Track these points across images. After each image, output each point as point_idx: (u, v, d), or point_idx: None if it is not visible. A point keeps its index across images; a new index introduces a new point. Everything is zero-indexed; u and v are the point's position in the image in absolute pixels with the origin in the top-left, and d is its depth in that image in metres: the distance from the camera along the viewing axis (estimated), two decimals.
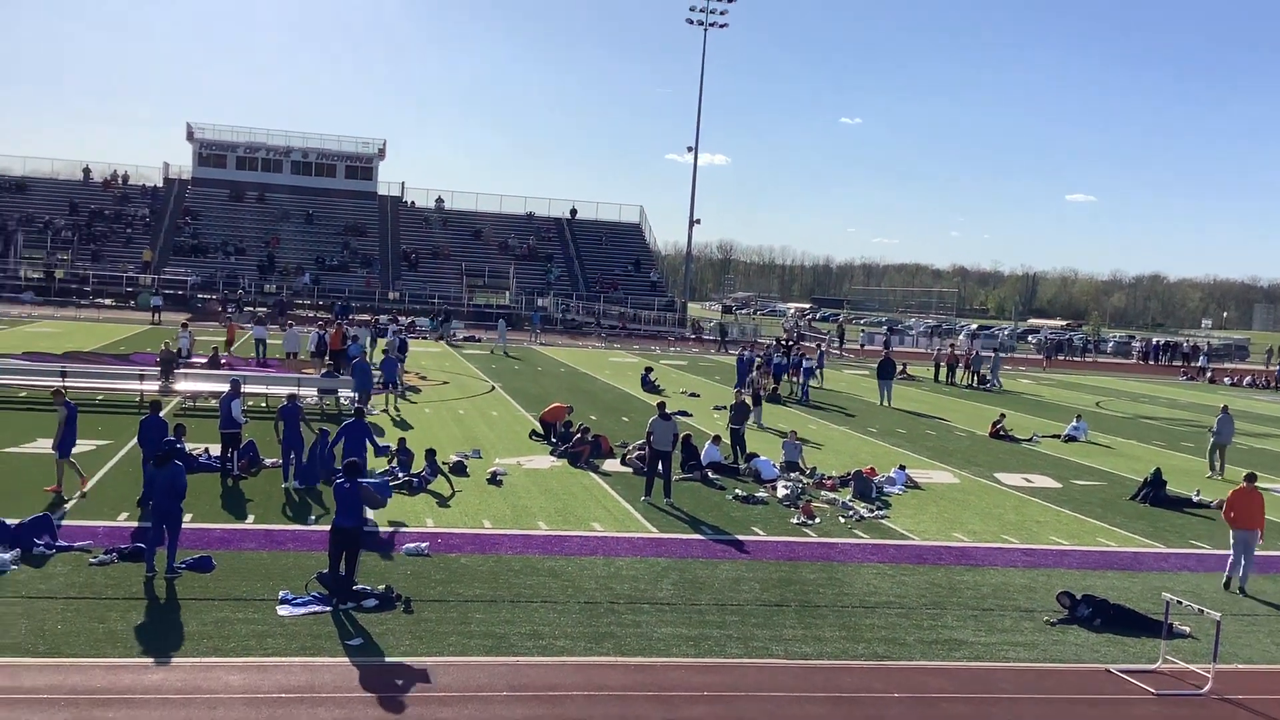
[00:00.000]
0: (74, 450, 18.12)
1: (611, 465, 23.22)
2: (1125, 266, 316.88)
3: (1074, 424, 33.39)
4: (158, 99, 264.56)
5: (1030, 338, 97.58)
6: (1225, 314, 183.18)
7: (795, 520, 19.33)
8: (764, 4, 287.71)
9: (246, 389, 23.92)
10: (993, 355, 52.27)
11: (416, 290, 74.51)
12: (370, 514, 16.66)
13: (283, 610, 12.86)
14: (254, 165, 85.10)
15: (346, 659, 11.57)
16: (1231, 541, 16.83)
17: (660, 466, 20.14)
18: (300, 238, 79.50)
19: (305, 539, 16.02)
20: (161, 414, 17.93)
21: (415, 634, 12.40)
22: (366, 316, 61.45)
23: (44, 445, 19.77)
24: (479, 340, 57.98)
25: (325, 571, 13.55)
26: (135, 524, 16.10)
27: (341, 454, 18.31)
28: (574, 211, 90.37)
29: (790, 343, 54.19)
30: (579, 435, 24.14)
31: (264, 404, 27.59)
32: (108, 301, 66.26)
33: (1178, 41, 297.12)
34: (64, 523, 15.77)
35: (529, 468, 22.51)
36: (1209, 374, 67.85)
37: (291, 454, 19.43)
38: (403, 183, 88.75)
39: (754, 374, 36.13)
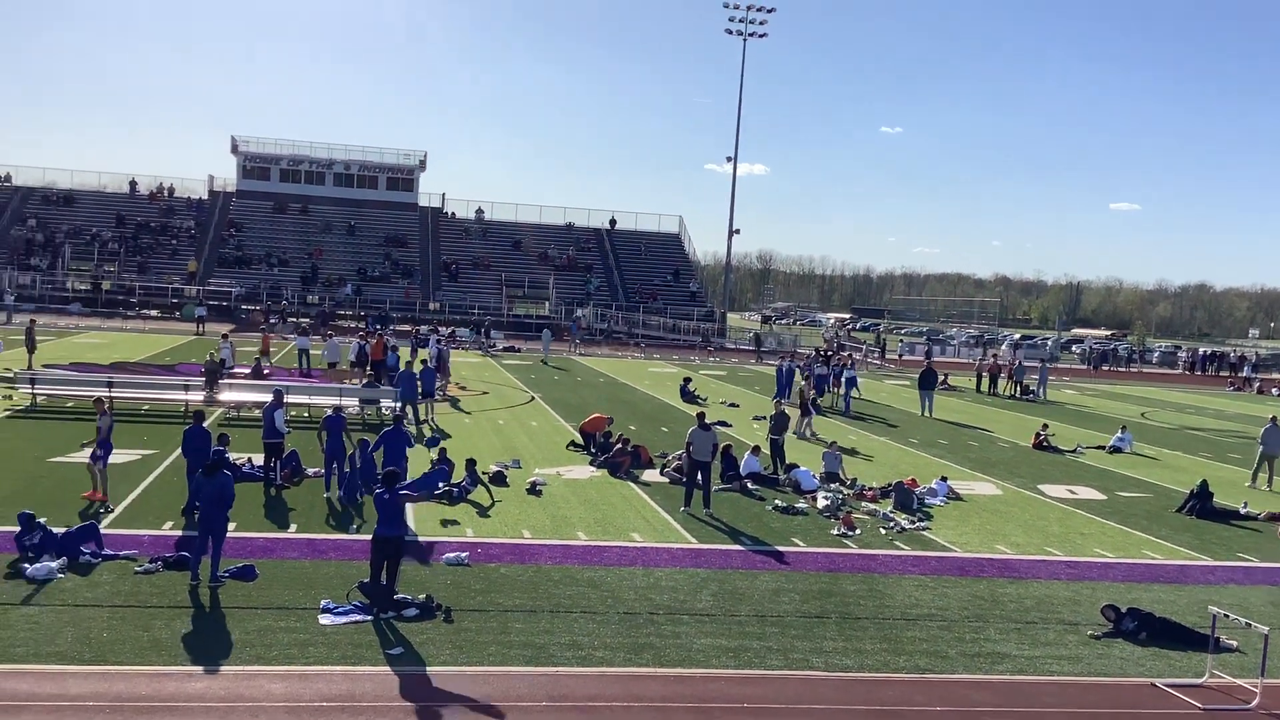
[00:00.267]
0: (111, 460, 18.37)
1: (651, 475, 23.22)
2: (1171, 275, 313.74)
3: (1119, 435, 33.02)
4: (203, 113, 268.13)
5: (1074, 348, 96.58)
6: (1273, 323, 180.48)
7: (835, 531, 19.24)
8: (804, 14, 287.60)
9: (289, 399, 24.13)
10: (1039, 366, 51.61)
11: (456, 301, 74.92)
12: (411, 523, 16.76)
13: (324, 619, 12.96)
14: (297, 177, 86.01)
15: (387, 668, 11.63)
16: None
17: (699, 477, 20.11)
18: (342, 249, 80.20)
19: (347, 548, 16.13)
20: (205, 424, 18.13)
21: (455, 643, 12.45)
22: (407, 327, 61.86)
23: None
24: (519, 351, 58.17)
25: (367, 581, 13.64)
26: (180, 533, 16.29)
27: (381, 462, 18.46)
28: (613, 222, 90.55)
29: (830, 353, 53.94)
30: (619, 446, 24.17)
31: (306, 414, 27.83)
32: (153, 312, 67.10)
33: (1223, 48, 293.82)
34: (109, 531, 15.96)
35: (568, 478, 22.55)
36: (1256, 384, 66.86)
37: (334, 464, 19.57)
38: (443, 194, 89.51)
39: (802, 384, 35.92)
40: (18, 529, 14.73)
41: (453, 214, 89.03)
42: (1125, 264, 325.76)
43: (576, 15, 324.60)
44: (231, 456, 20.39)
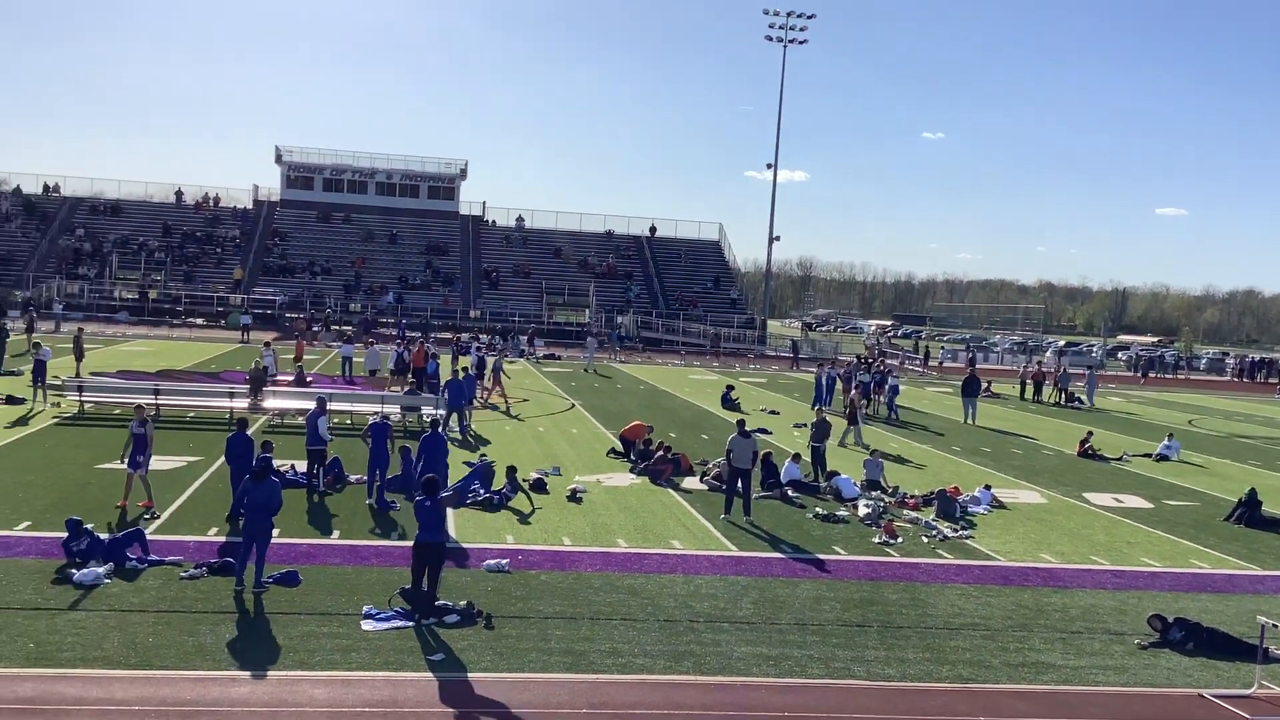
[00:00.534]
0: (157, 466, 18.58)
1: (691, 483, 23.19)
2: (1218, 281, 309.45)
3: (1166, 443, 32.60)
4: (248, 123, 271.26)
5: (1120, 354, 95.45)
6: None
7: (877, 540, 19.12)
8: (844, 20, 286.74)
9: (332, 406, 24.36)
10: (1087, 373, 50.96)
11: (497, 308, 75.25)
12: (452, 530, 16.84)
13: (366, 625, 13.03)
14: (340, 187, 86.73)
15: (429, 674, 11.68)
16: None
17: (740, 484, 20.06)
18: (384, 257, 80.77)
19: (388, 554, 16.22)
20: (248, 432, 18.30)
21: (496, 650, 12.49)
22: (448, 335, 62.22)
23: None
24: (559, 358, 58.31)
25: (408, 587, 13.71)
26: (223, 539, 16.45)
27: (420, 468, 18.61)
28: (653, 229, 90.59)
29: (871, 360, 53.66)
30: (660, 454, 24.16)
31: (349, 421, 28.03)
32: (199, 321, 67.87)
33: (1271, 52, 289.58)
34: (155, 537, 16.14)
35: (609, 485, 22.56)
36: None
37: (377, 471, 19.69)
38: (484, 202, 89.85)
39: (854, 393, 35.66)
40: (66, 535, 14.94)
41: (493, 222, 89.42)
42: (1172, 269, 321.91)
43: (616, 24, 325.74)
44: (275, 463, 20.65)
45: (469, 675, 11.72)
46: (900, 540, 19.13)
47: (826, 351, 73.42)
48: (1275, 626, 13.00)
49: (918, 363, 70.35)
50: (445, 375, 34.28)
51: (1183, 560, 19.24)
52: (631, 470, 24.13)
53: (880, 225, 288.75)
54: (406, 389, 33.30)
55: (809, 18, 77.68)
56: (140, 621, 12.71)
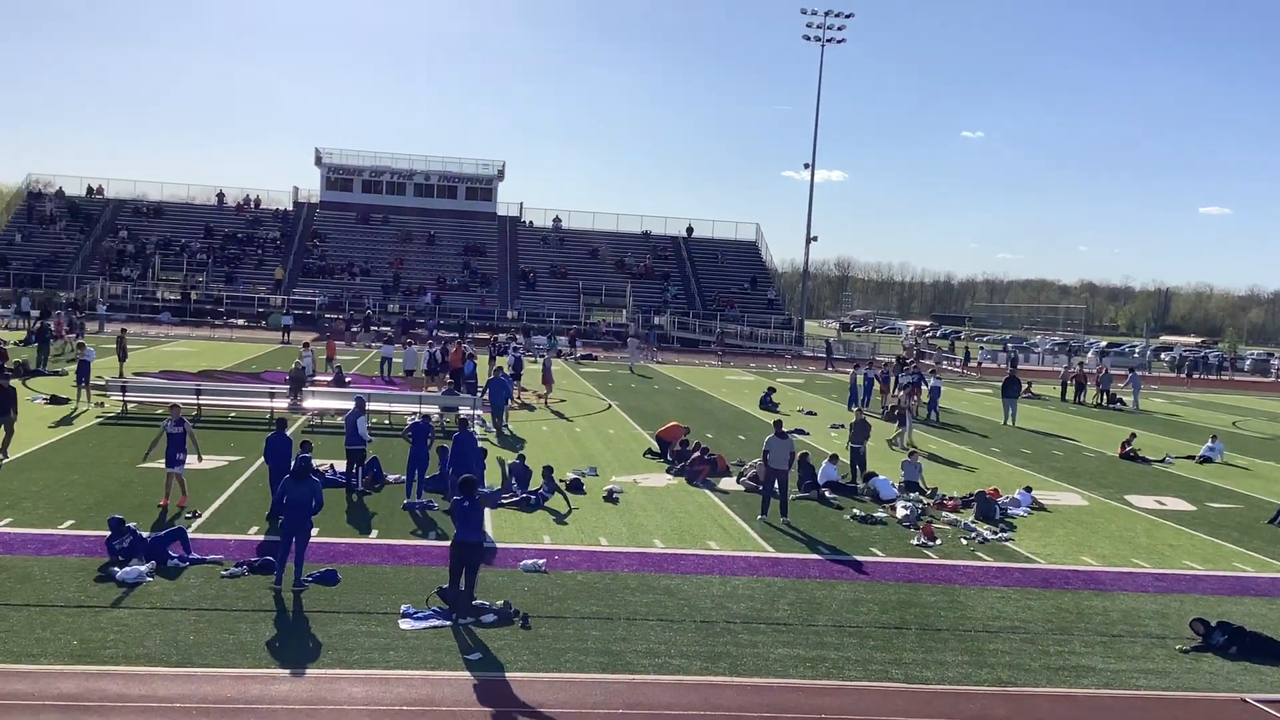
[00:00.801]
0: (199, 465, 18.77)
1: (728, 484, 23.15)
2: (1263, 281, 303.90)
3: (1209, 444, 32.20)
4: (288, 126, 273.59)
5: (1163, 355, 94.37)
6: None
7: (915, 541, 19.01)
8: (882, 18, 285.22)
9: (370, 406, 24.51)
10: (1131, 374, 50.30)
11: (534, 309, 75.47)
12: (489, 531, 16.90)
13: (404, 624, 13.11)
14: (379, 188, 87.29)
15: (466, 673, 11.73)
16: None
17: (776, 485, 20.01)
18: (422, 258, 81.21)
19: (427, 554, 16.31)
20: (288, 432, 18.45)
21: (533, 650, 12.52)
22: (486, 335, 62.49)
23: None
24: (596, 359, 58.36)
25: (446, 586, 13.78)
26: (262, 537, 16.59)
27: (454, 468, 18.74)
28: (690, 230, 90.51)
29: (909, 361, 53.36)
30: (696, 454, 24.13)
31: (386, 420, 28.20)
32: (240, 321, 68.51)
33: None
34: (196, 536, 16.31)
35: (645, 486, 22.56)
36: None
37: (415, 471, 19.80)
38: (521, 203, 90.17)
39: (901, 394, 35.33)
40: (109, 533, 15.13)
41: (530, 223, 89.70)
42: (1216, 269, 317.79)
43: (654, 25, 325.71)
44: (314, 463, 20.81)
45: (506, 675, 11.76)
46: (939, 542, 19.02)
47: (864, 352, 73.05)
48: None
49: (956, 364, 69.82)
50: (483, 375, 34.49)
51: (1225, 563, 18.99)
52: (668, 471, 24.12)
53: (919, 225, 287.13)
54: (444, 389, 33.47)
55: (847, 17, 77.33)
56: (181, 619, 12.85)
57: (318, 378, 35.14)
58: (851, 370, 42.24)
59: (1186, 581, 17.57)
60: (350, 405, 21.57)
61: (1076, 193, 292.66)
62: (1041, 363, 78.92)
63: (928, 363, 53.76)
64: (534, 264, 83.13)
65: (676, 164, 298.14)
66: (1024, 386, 43.20)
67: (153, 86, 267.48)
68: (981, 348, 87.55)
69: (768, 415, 34.32)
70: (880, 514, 20.88)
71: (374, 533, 17.48)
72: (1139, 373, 51.56)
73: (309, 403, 29.50)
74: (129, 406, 28.39)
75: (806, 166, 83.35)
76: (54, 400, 29.41)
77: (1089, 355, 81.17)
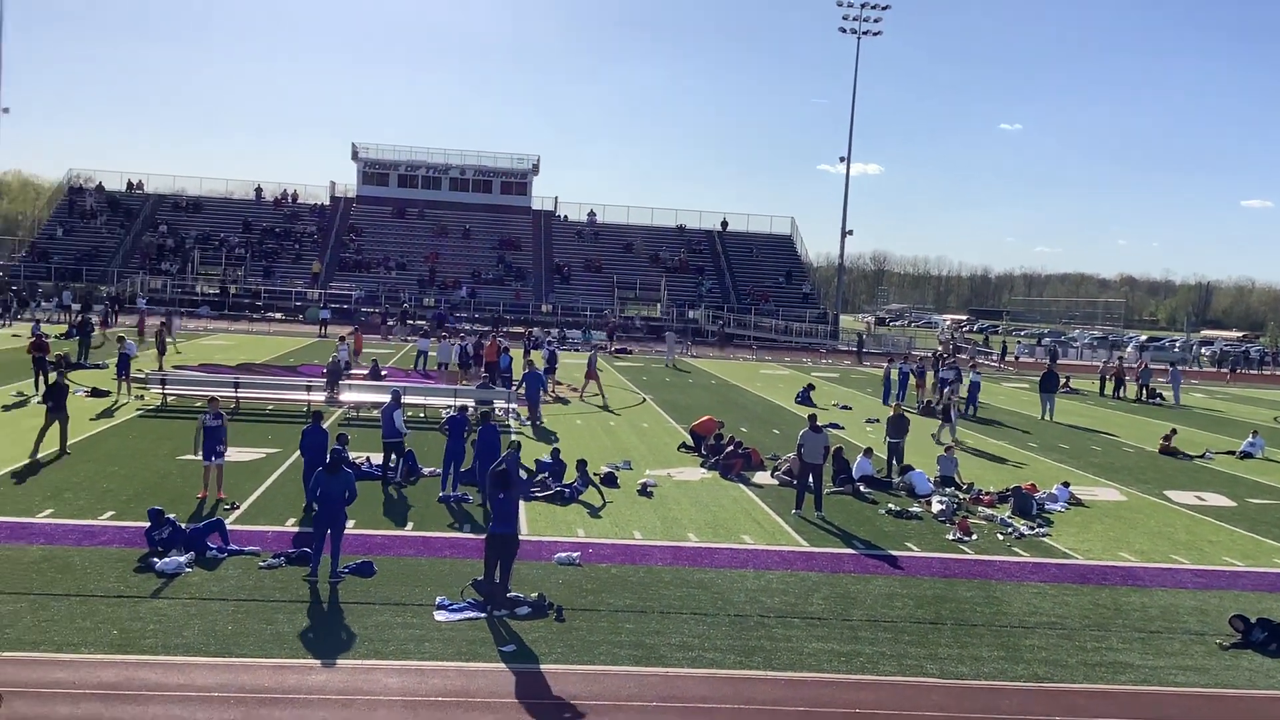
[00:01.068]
0: (236, 458, 18.93)
1: (762, 478, 23.10)
2: None
3: (1250, 440, 31.81)
4: (325, 121, 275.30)
5: (1204, 350, 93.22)
6: None
7: (951, 536, 18.90)
8: (919, 10, 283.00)
9: (406, 399, 24.63)
10: (1171, 369, 49.77)
11: (569, 303, 75.59)
12: (523, 524, 16.96)
13: (439, 615, 13.17)
14: (414, 183, 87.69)
15: (501, 665, 11.78)
16: None
17: (811, 479, 19.95)
18: (458, 252, 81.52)
19: (461, 546, 16.38)
20: (323, 424, 18.58)
21: (567, 642, 12.55)
22: (520, 329, 62.65)
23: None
24: (631, 353, 58.37)
25: (481, 579, 13.83)
26: (297, 529, 16.71)
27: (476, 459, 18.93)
28: (725, 224, 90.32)
29: (945, 355, 53.03)
30: (731, 448, 24.10)
31: (421, 414, 28.33)
32: (278, 315, 69.04)
33: None
34: (235, 527, 16.47)
35: (679, 479, 22.56)
36: None
37: (451, 464, 19.88)
38: (555, 197, 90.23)
39: (945, 390, 35.00)
40: (148, 524, 15.30)
41: (565, 217, 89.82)
42: (1258, 262, 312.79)
43: (688, 18, 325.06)
44: (350, 455, 20.95)
45: (540, 666, 11.80)
46: (975, 537, 18.90)
47: (899, 346, 72.64)
48: None
49: (993, 358, 69.31)
50: (519, 370, 34.60)
51: (1266, 559, 18.76)
52: (702, 465, 24.11)
53: (956, 219, 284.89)
54: (479, 383, 33.58)
55: (883, 8, 76.94)
56: (220, 610, 12.97)
57: (354, 371, 35.34)
58: (885, 365, 42.04)
59: (1226, 578, 17.37)
60: (386, 399, 21.69)
61: (1116, 186, 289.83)
62: (1080, 357, 78.23)
63: (964, 357, 53.33)
64: (569, 258, 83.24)
65: (711, 158, 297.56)
66: (1062, 381, 42.80)
67: (192, 82, 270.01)
68: (1019, 342, 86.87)
69: (802, 409, 34.21)
70: (915, 509, 20.78)
71: (410, 525, 17.58)
72: (1179, 367, 50.90)
73: (345, 396, 29.70)
74: (168, 399, 28.69)
75: (842, 160, 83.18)
76: (95, 393, 29.76)
77: (1129, 350, 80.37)
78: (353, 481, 14.63)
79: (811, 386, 39.84)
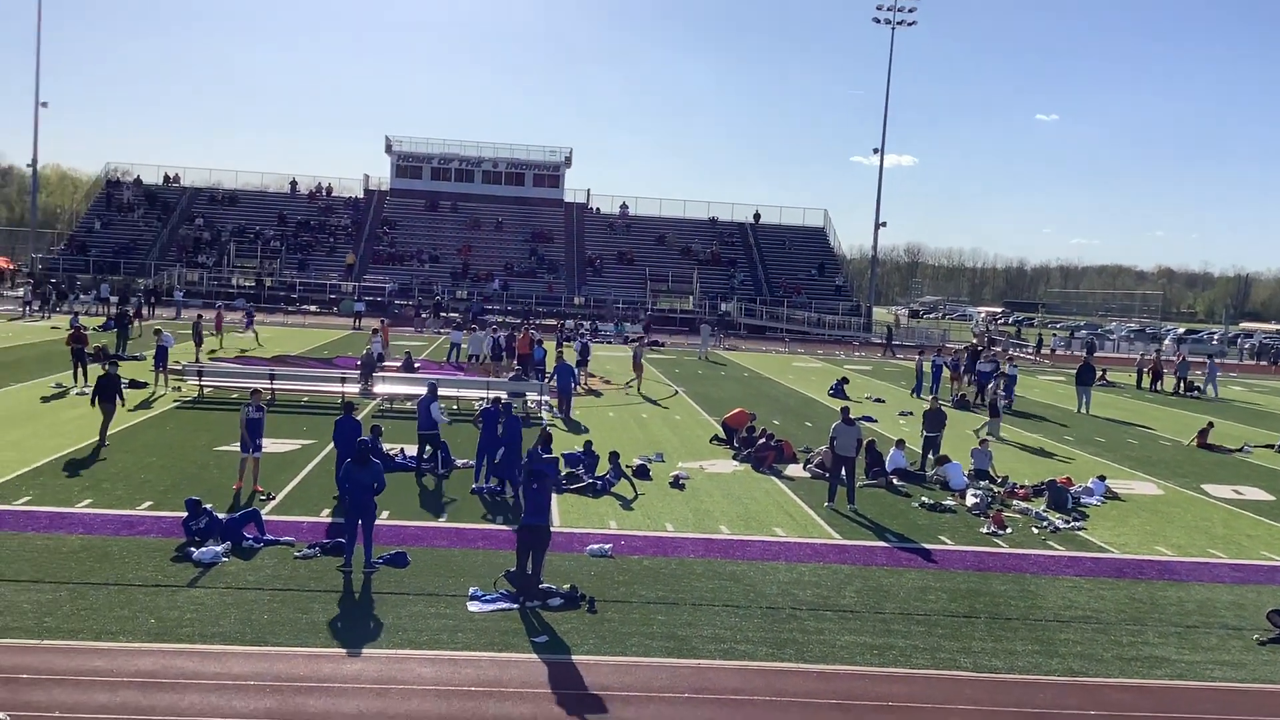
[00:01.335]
0: (272, 449, 19.08)
1: (794, 470, 23.06)
2: None
3: None
4: (359, 115, 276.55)
5: (1245, 343, 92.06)
6: None
7: (985, 530, 18.79)
8: (954, 0, 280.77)
9: (440, 392, 24.72)
10: (1209, 362, 49.29)
11: (601, 295, 75.66)
12: (556, 516, 17.00)
13: (473, 606, 13.24)
14: (447, 175, 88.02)
15: (534, 655, 11.83)
16: None
17: (843, 472, 19.89)
18: (491, 245, 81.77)
19: (494, 537, 16.45)
20: (355, 415, 18.69)
21: (599, 633, 12.58)
22: (552, 321, 62.77)
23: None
24: (663, 345, 58.36)
25: (513, 570, 13.89)
26: (329, 520, 16.83)
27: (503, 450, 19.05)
28: (757, 216, 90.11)
29: (981, 348, 52.64)
30: (763, 440, 24.06)
31: (455, 406, 28.45)
32: (312, 307, 69.48)
33: None
34: (270, 518, 16.61)
35: (711, 472, 22.55)
36: None
37: (485, 456, 19.96)
38: (588, 190, 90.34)
39: (992, 384, 34.64)
40: (185, 514, 15.46)
41: (597, 209, 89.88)
42: None
43: (721, 8, 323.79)
44: (384, 447, 21.08)
45: (572, 657, 11.84)
46: (1009, 531, 18.79)
47: (933, 339, 72.20)
48: None
49: (1028, 350, 68.73)
50: (552, 362, 34.70)
51: None
52: (734, 457, 24.09)
53: (991, 210, 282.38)
54: (512, 374, 33.69)
55: None
56: (256, 599, 13.10)
57: (387, 363, 35.55)
58: (917, 357, 41.79)
59: (1264, 572, 17.18)
60: (421, 390, 21.80)
61: (1153, 177, 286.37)
62: (1117, 350, 77.50)
63: (997, 348, 52.93)
64: (601, 250, 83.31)
65: (744, 150, 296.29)
66: (1099, 374, 42.45)
67: (228, 76, 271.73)
68: (1055, 335, 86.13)
69: (835, 402, 34.12)
70: (949, 502, 20.68)
71: (443, 516, 17.67)
72: (1216, 360, 50.31)
73: (379, 388, 29.87)
74: (205, 391, 28.97)
75: (876, 151, 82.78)
76: (133, 385, 30.05)
77: (1166, 343, 79.55)
78: (381, 472, 14.71)
79: (845, 379, 39.71)
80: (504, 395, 28.30)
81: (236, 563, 14.49)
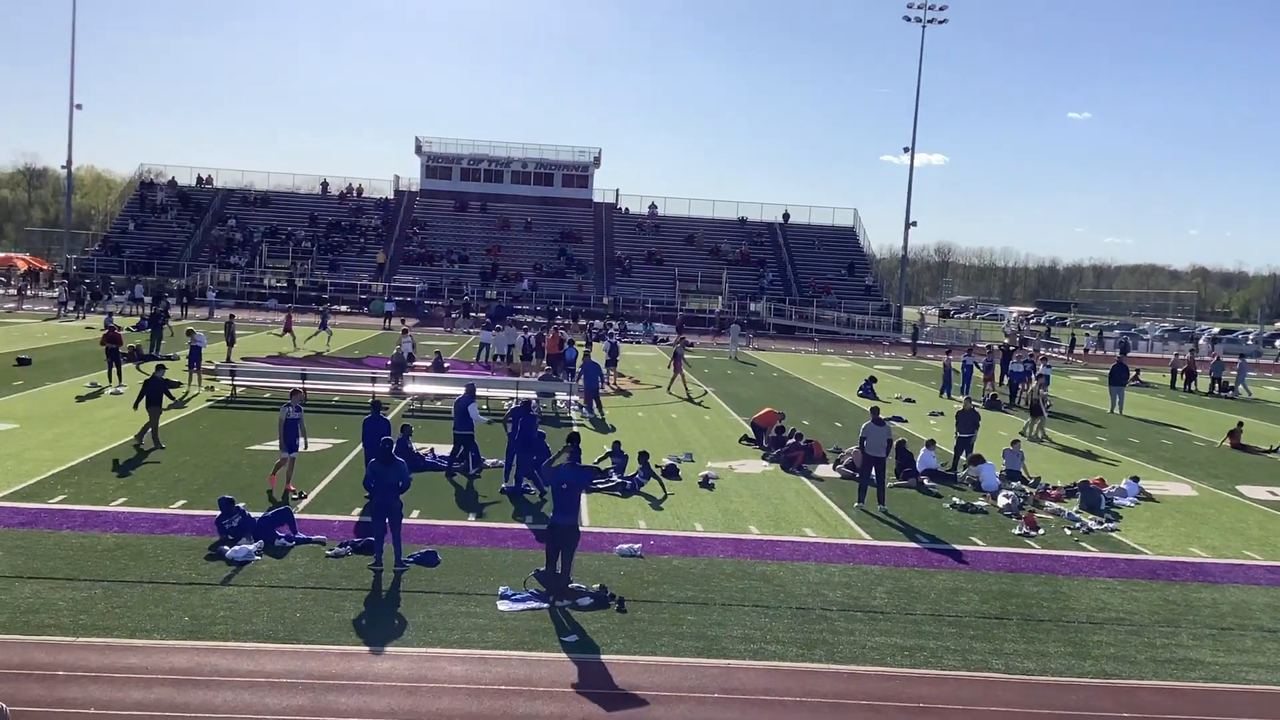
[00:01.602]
0: (305, 448, 19.22)
1: (824, 470, 22.99)
2: None
3: None
4: (389, 115, 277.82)
5: (1278, 342, 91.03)
6: None
7: (1017, 531, 18.67)
8: None
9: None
10: (1239, 361, 48.88)
11: (630, 295, 75.68)
12: (585, 515, 17.02)
13: (503, 605, 13.28)
14: (477, 176, 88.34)
15: (563, 655, 11.85)
16: None
17: (873, 472, 19.81)
18: (520, 245, 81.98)
19: (524, 537, 16.49)
20: (384, 414, 18.76)
21: (628, 633, 12.59)
22: (583, 321, 62.84)
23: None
24: (692, 345, 58.29)
25: (543, 569, 13.92)
26: (357, 519, 16.91)
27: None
28: (786, 216, 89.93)
29: (1013, 348, 52.30)
30: (792, 440, 24.01)
31: (484, 405, 28.51)
32: (343, 308, 69.88)
33: None
34: (302, 516, 16.71)
35: (740, 472, 22.52)
36: None
37: (514, 456, 20.00)
38: (617, 190, 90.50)
39: (1034, 384, 34.44)
40: (219, 513, 15.59)
41: (626, 210, 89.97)
42: None
43: (749, 6, 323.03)
44: (414, 446, 21.19)
45: (602, 657, 11.85)
46: (1041, 532, 18.66)
47: (963, 339, 71.80)
48: None
49: (1059, 350, 68.22)
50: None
51: None
52: (764, 457, 24.04)
53: (1022, 209, 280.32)
54: (542, 374, 33.76)
55: None
56: (288, 597, 13.19)
57: (417, 363, 35.70)
58: (945, 357, 41.56)
59: None
60: (448, 390, 21.87)
61: (1187, 175, 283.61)
62: (1150, 350, 76.84)
63: (1028, 349, 52.60)
64: (629, 250, 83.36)
65: (774, 149, 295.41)
66: (1132, 374, 42.09)
67: (261, 78, 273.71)
68: (1088, 334, 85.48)
69: (865, 402, 33.99)
70: (980, 502, 20.56)
71: (473, 516, 17.72)
72: (1245, 359, 49.83)
73: (409, 387, 30.01)
74: (238, 390, 29.19)
75: (906, 150, 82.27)
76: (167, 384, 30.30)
77: (1201, 342, 78.79)
78: (406, 471, 14.76)
79: (874, 379, 39.55)
80: (533, 395, 28.50)
81: (269, 561, 14.60)
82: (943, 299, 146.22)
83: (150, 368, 24.48)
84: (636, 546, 16.03)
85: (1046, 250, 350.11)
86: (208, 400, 28.21)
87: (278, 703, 10.28)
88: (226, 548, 14.79)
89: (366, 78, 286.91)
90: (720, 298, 77.28)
